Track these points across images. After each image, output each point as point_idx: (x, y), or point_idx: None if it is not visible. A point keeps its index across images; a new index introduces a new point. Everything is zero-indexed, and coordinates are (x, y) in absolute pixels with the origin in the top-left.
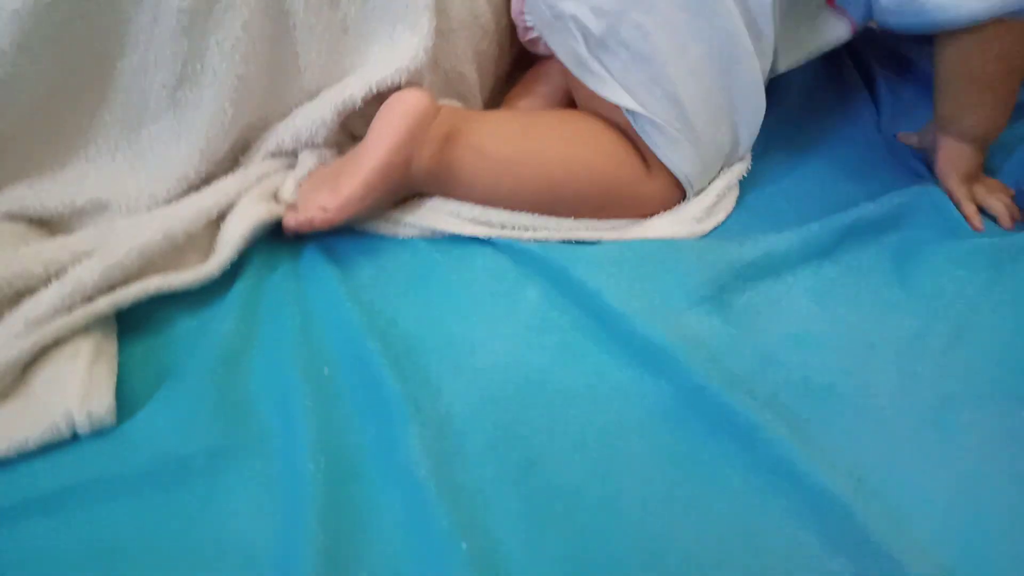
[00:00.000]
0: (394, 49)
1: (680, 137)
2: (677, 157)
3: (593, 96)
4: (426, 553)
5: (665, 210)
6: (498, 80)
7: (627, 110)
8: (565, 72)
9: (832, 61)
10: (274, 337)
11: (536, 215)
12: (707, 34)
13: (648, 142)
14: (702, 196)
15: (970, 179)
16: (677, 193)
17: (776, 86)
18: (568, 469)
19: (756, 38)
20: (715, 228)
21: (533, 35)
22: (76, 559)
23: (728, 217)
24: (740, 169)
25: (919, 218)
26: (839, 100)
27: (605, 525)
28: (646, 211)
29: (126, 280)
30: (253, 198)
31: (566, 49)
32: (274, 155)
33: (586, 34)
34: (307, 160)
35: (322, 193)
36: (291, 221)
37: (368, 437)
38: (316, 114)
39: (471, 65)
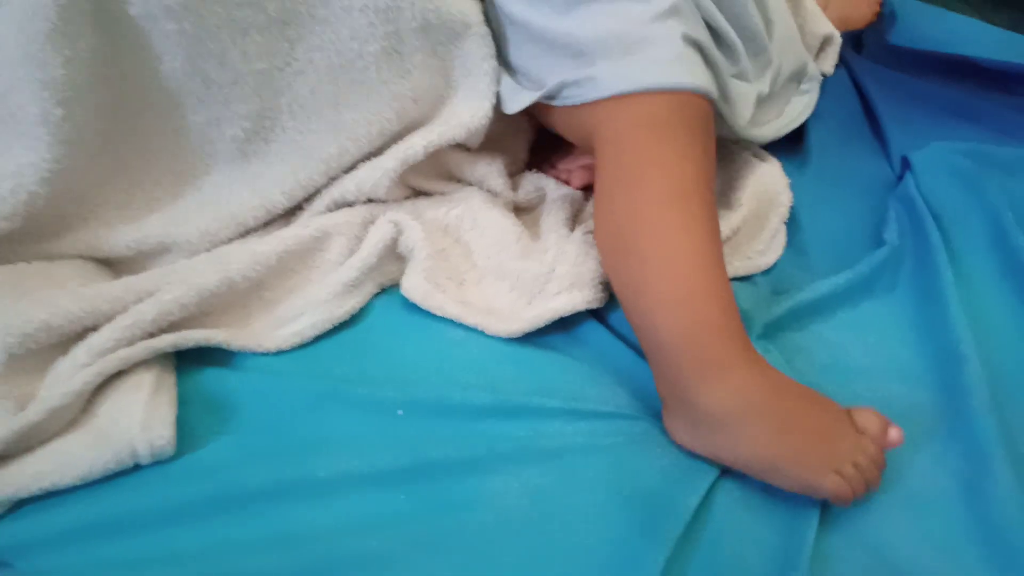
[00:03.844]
0: (456, 109)
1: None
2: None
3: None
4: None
5: None
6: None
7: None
8: None
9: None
10: (337, 375)
11: None
12: None
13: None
14: (763, 231)
15: None
16: None
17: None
18: None
19: None
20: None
21: None
22: None
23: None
24: (787, 204)
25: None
26: (848, 138)
27: None
28: None
29: (187, 318)
30: (329, 292)
31: None
32: (338, 204)
33: None
34: (416, 244)
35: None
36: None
37: (446, 477)
38: (379, 164)
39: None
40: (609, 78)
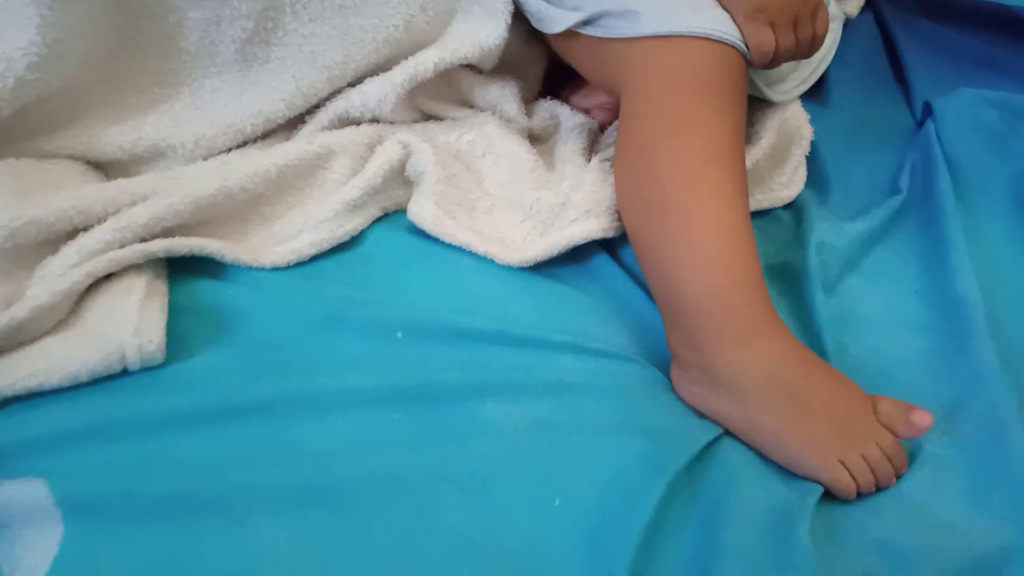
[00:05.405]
0: (469, 28)
1: None
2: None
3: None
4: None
5: None
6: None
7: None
8: None
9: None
10: (335, 295)
11: None
12: None
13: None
14: (785, 163)
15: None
16: None
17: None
18: None
19: None
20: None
21: None
22: (136, 483)
23: None
24: (808, 138)
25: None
26: (870, 84)
27: None
28: None
29: (181, 225)
30: (330, 211)
31: None
32: (342, 121)
33: None
34: (426, 168)
35: None
36: None
37: (447, 401)
38: (387, 78)
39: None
40: (655, 16)
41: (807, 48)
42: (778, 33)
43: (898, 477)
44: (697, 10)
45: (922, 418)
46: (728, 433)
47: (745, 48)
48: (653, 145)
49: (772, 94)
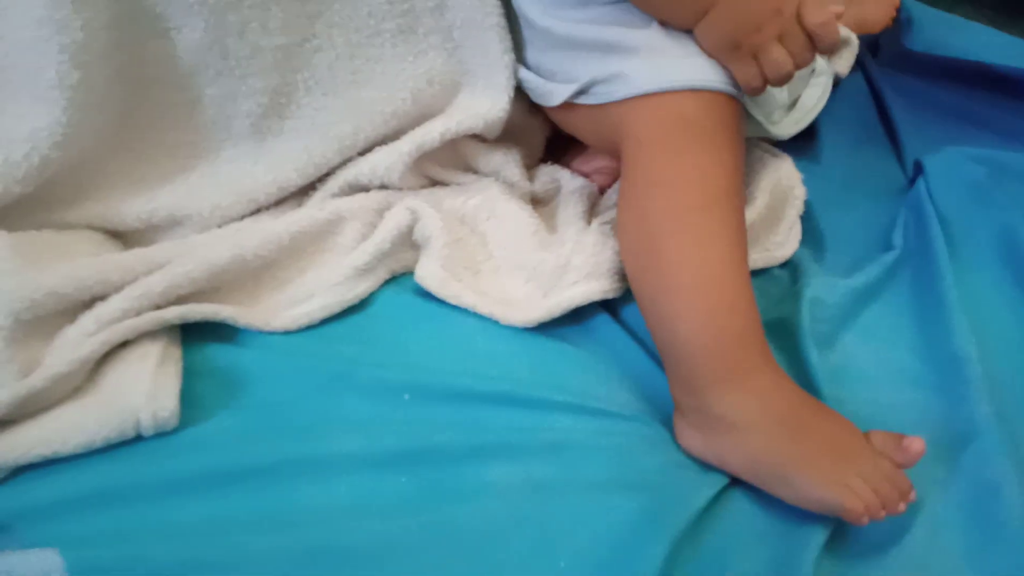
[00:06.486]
0: (474, 100)
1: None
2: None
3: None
4: None
5: None
6: None
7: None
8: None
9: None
10: (344, 357)
11: None
12: None
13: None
14: (780, 223)
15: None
16: None
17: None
18: None
19: None
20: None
21: None
22: (147, 549)
23: None
24: (802, 197)
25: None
26: (861, 141)
27: None
28: None
29: (196, 292)
30: (341, 275)
31: None
32: (352, 188)
33: None
34: (433, 232)
35: None
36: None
37: (451, 463)
38: (395, 147)
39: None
40: (640, 75)
41: (807, 53)
42: (763, 61)
43: (905, 503)
44: (681, 58)
45: (912, 443)
46: (733, 481)
47: (734, 88)
48: (648, 195)
49: (775, 130)
